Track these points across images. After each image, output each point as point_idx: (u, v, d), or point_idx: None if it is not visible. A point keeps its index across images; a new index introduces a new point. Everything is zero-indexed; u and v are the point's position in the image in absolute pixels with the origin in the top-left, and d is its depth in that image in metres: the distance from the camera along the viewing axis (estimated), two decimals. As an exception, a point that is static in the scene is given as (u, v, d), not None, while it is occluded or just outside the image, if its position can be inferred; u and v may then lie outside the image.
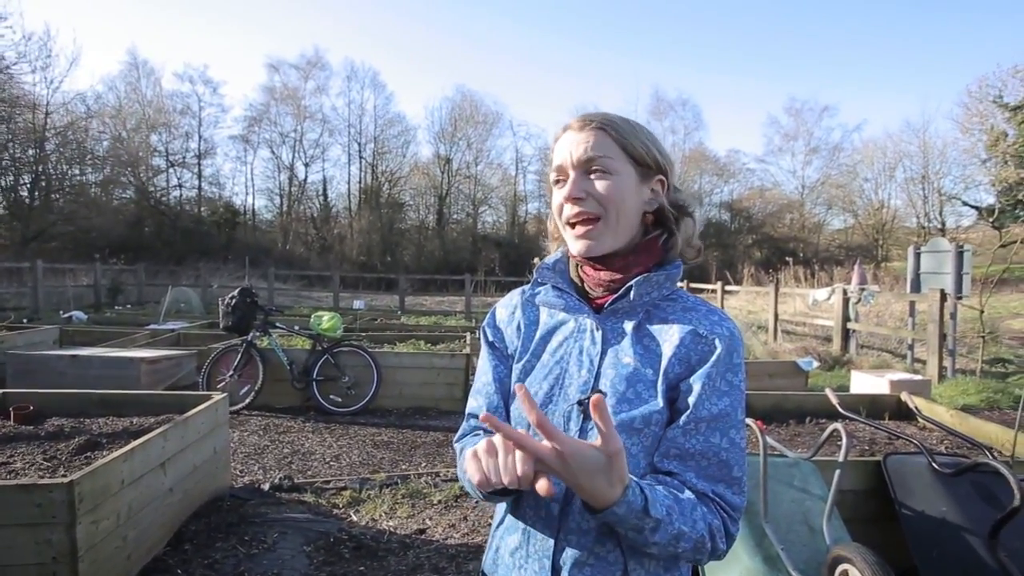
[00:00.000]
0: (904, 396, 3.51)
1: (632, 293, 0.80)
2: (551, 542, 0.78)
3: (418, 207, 35.36)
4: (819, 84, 54.39)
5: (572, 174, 0.80)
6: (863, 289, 8.83)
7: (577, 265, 0.87)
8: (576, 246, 0.82)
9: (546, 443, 0.63)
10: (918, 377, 5.40)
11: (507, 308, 0.93)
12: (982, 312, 6.98)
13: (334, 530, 2.88)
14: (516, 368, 0.87)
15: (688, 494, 0.73)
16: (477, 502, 3.34)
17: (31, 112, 22.09)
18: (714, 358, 0.78)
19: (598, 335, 0.82)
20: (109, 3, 46.00)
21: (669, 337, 0.80)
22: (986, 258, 9.98)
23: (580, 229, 0.80)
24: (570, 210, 0.81)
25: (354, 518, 3.10)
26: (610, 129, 0.80)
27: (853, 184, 33.28)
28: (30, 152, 22.74)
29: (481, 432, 0.89)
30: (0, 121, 20.66)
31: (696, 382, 0.77)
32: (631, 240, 0.83)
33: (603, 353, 0.81)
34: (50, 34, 27.49)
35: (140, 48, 47.04)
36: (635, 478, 0.69)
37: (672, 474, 0.76)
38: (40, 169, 23.16)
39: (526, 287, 0.93)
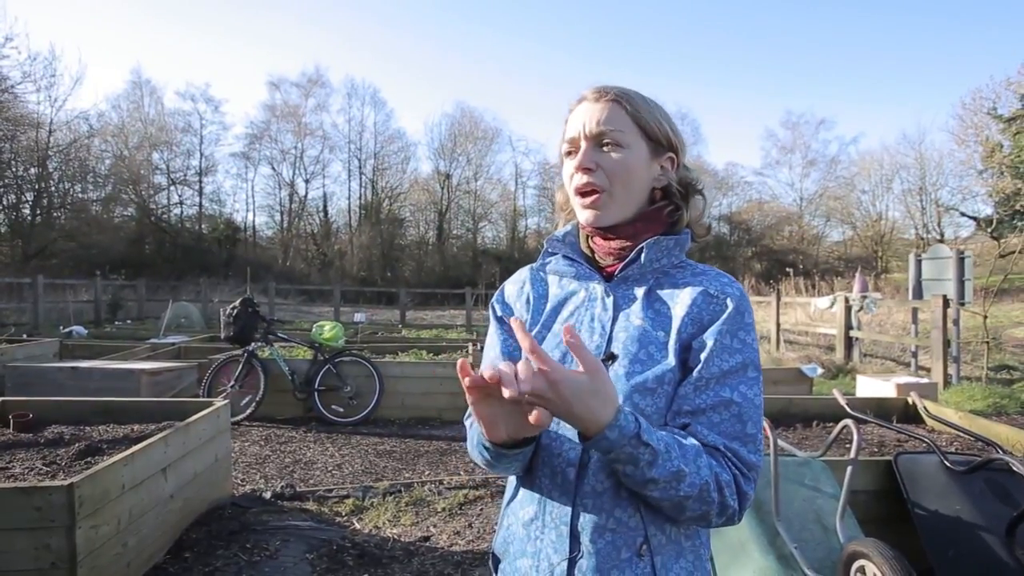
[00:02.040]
0: (912, 397, 3.48)
1: (643, 256, 0.80)
2: (568, 509, 0.77)
3: (418, 222, 35.50)
4: (815, 97, 54.97)
5: (584, 145, 0.81)
6: (865, 297, 8.81)
7: (587, 236, 0.88)
8: (583, 215, 0.83)
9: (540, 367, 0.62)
10: (925, 380, 5.36)
11: (516, 284, 0.93)
12: (985, 317, 6.96)
13: (337, 538, 2.84)
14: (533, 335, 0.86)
15: (692, 441, 0.72)
16: (482, 509, 3.29)
17: (35, 131, 22.27)
18: (725, 315, 0.78)
19: (609, 301, 0.83)
20: (114, 23, 46.73)
21: (680, 299, 0.81)
22: (986, 268, 10.00)
23: (587, 199, 0.81)
24: (579, 180, 0.81)
25: (357, 526, 3.05)
26: (625, 102, 0.81)
27: (851, 196, 33.46)
28: (33, 170, 22.89)
29: None
30: (4, 140, 20.81)
31: (708, 339, 0.77)
32: (638, 211, 0.84)
33: (614, 318, 0.81)
34: (55, 54, 27.96)
35: (144, 67, 47.55)
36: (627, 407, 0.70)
37: (685, 427, 0.76)
38: (42, 187, 23.29)
39: (534, 263, 0.93)
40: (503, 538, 0.86)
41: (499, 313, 0.93)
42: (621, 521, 0.75)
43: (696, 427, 0.75)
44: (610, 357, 0.78)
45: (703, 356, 0.76)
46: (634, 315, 0.81)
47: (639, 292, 0.83)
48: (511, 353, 0.88)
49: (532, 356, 0.62)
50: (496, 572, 0.88)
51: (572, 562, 0.75)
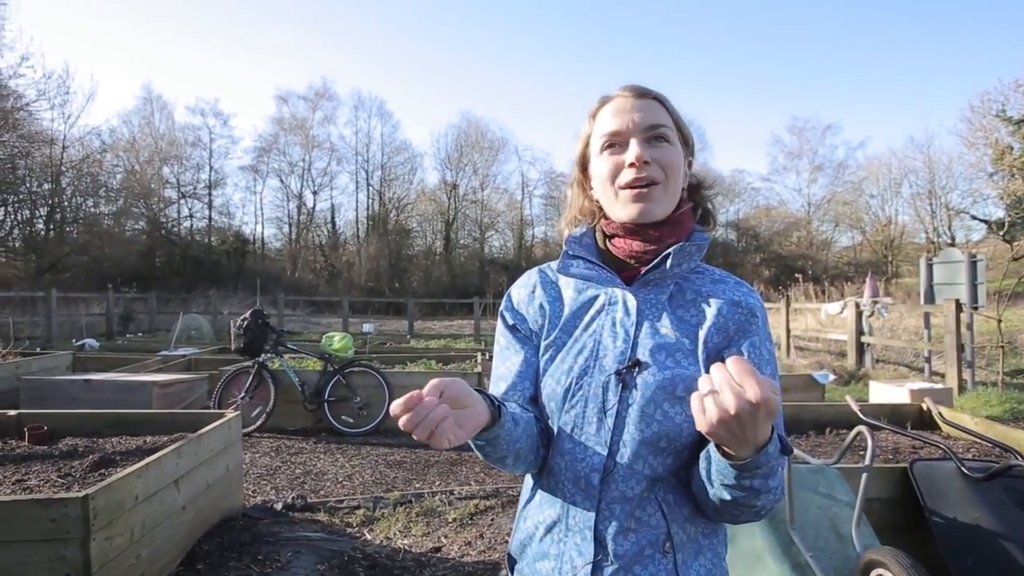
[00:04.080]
0: (927, 402, 3.44)
1: (669, 262, 0.80)
2: (592, 514, 0.77)
3: (425, 233, 35.66)
4: (821, 102, 54.87)
5: (634, 139, 0.80)
6: (876, 302, 8.73)
7: (606, 237, 0.87)
8: (630, 210, 0.81)
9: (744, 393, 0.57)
10: (939, 386, 5.30)
11: (525, 288, 0.91)
12: (1000, 322, 6.87)
13: (348, 549, 2.83)
14: (545, 344, 0.86)
15: None
16: (493, 519, 3.28)
17: (48, 147, 22.66)
18: (756, 327, 0.80)
19: (632, 306, 0.82)
20: (125, 41, 47.58)
21: (705, 307, 0.81)
22: (999, 271, 9.88)
23: (640, 192, 0.80)
24: (632, 175, 0.79)
25: (368, 537, 3.05)
26: (666, 103, 0.84)
27: (859, 201, 33.25)
28: (46, 186, 23.26)
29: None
30: (19, 156, 21.18)
31: (745, 350, 0.78)
32: (673, 211, 0.84)
33: (638, 324, 0.81)
34: (69, 72, 28.40)
35: (154, 83, 48.38)
36: None
37: None
38: (55, 202, 23.65)
39: (544, 265, 0.93)
40: (520, 540, 0.86)
41: (511, 322, 0.90)
42: (642, 521, 0.76)
43: None
44: (636, 364, 0.77)
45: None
46: (659, 322, 0.80)
47: (662, 297, 0.82)
48: (529, 360, 0.86)
49: (744, 380, 0.58)
50: (512, 572, 0.87)
51: (596, 565, 0.76)
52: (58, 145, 23.22)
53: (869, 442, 2.10)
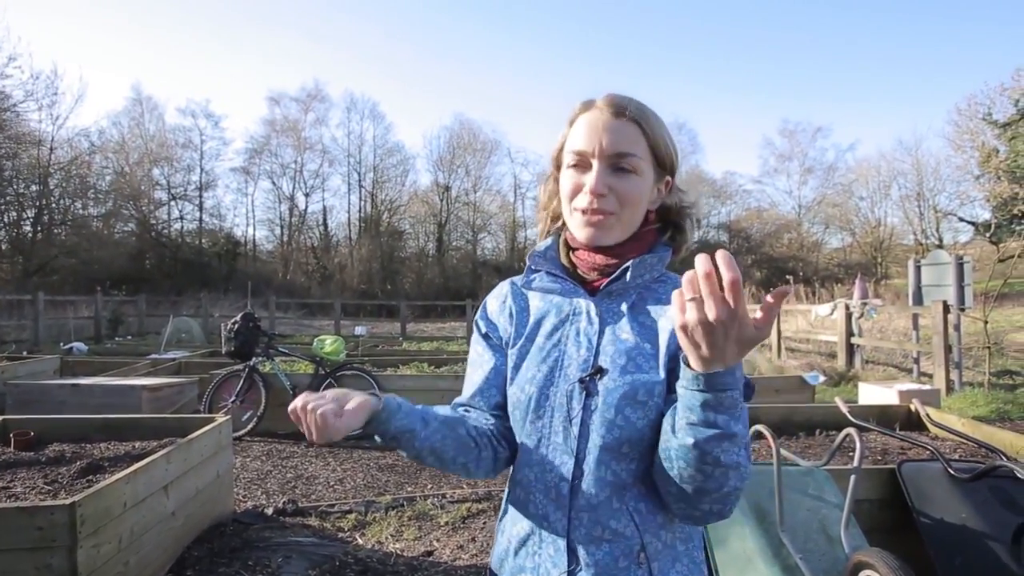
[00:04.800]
0: (915, 404, 3.47)
1: (628, 274, 0.81)
2: (564, 523, 0.77)
3: (418, 235, 35.60)
4: (812, 105, 55.42)
5: (596, 165, 0.78)
6: (865, 303, 8.81)
7: (569, 250, 0.87)
8: (583, 233, 0.81)
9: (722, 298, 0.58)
10: (927, 387, 5.35)
11: (498, 299, 0.93)
12: (986, 323, 6.96)
13: (339, 553, 2.82)
14: (511, 353, 0.87)
15: None
16: (485, 523, 3.28)
17: (36, 148, 22.42)
18: None
19: (595, 315, 0.82)
20: (115, 41, 47.19)
21: (665, 313, 0.81)
22: (985, 273, 10.01)
23: (592, 219, 0.79)
24: (587, 201, 0.79)
25: (360, 541, 3.03)
26: (644, 124, 0.80)
27: (849, 203, 33.57)
28: (34, 187, 23.00)
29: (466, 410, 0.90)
30: (6, 158, 20.95)
31: None
32: (633, 232, 0.84)
33: (601, 332, 0.81)
34: (57, 73, 28.09)
35: (144, 83, 48.02)
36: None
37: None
38: (43, 204, 23.39)
39: (515, 277, 0.93)
40: (498, 555, 0.87)
41: (484, 330, 0.92)
42: (616, 531, 0.76)
43: None
44: (598, 371, 0.78)
45: None
46: (621, 329, 0.81)
47: (624, 307, 0.83)
48: (498, 368, 0.88)
49: (730, 289, 0.58)
50: None
51: (570, 574, 0.76)
52: (46, 146, 22.97)
53: (858, 444, 2.12)
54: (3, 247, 22.78)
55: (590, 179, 0.78)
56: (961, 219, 26.75)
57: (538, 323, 0.86)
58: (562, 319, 0.84)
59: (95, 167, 26.82)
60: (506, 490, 0.89)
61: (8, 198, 22.24)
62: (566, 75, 55.15)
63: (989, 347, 7.01)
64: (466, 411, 0.89)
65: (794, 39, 51.17)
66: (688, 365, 0.65)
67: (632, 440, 0.76)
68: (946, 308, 6.66)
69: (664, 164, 0.82)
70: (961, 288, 7.25)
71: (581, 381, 0.78)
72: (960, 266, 7.32)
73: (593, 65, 54.44)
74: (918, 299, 8.10)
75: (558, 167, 0.86)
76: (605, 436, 0.76)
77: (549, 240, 0.89)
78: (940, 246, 25.99)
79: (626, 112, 0.79)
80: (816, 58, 51.20)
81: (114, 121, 29.70)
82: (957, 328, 6.88)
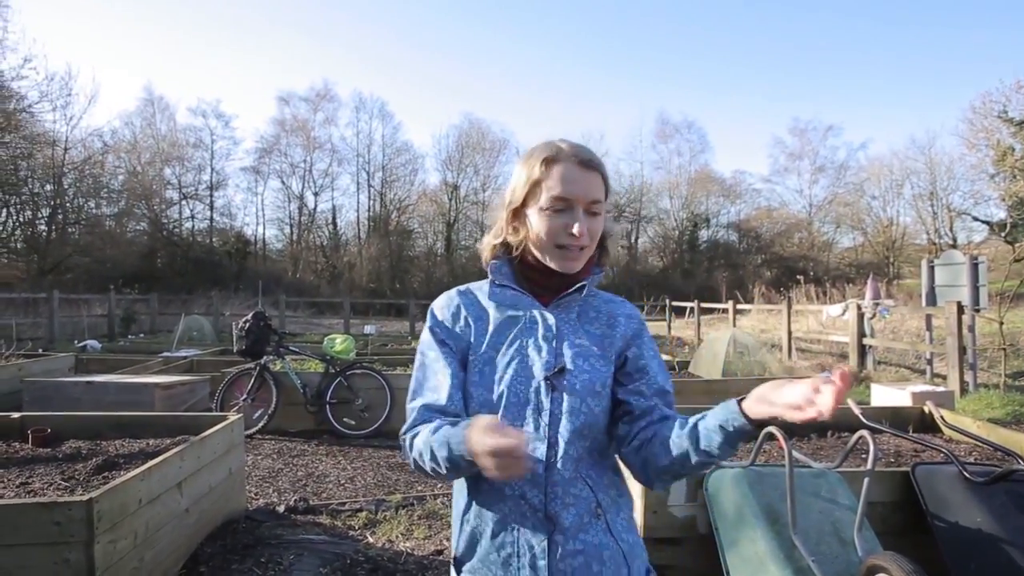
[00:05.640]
0: (928, 406, 3.44)
1: (584, 291, 1.00)
2: (542, 497, 0.92)
3: (426, 234, 35.71)
4: (822, 104, 54.96)
5: (580, 211, 0.95)
6: (878, 304, 8.73)
7: (524, 269, 1.02)
8: (560, 265, 0.98)
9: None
10: (941, 388, 5.29)
11: (449, 309, 1.04)
12: (1002, 324, 6.87)
13: (350, 552, 2.83)
14: (475, 357, 0.98)
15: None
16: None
17: (50, 148, 22.72)
18: (644, 331, 1.04)
19: (552, 323, 0.99)
20: (127, 42, 47.69)
21: (607, 320, 1.03)
22: (1000, 273, 9.88)
23: (573, 254, 0.97)
24: (571, 241, 0.95)
25: (370, 539, 3.05)
26: (605, 175, 0.99)
27: (861, 202, 33.27)
28: (48, 187, 23.32)
29: (439, 419, 0.95)
30: (21, 158, 21.25)
31: (642, 348, 1.02)
32: None
33: (559, 338, 0.98)
34: (71, 73, 28.50)
35: (156, 84, 48.50)
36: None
37: (653, 408, 0.97)
38: (57, 203, 23.71)
39: (462, 288, 1.06)
40: (466, 543, 0.96)
41: (442, 337, 1.01)
42: (578, 496, 0.93)
43: (662, 407, 0.98)
44: (561, 370, 0.95)
45: (643, 362, 1.01)
46: (574, 334, 0.99)
47: (572, 316, 1.01)
48: (456, 373, 0.98)
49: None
50: (459, 574, 0.97)
51: (550, 539, 0.91)
52: (60, 146, 23.27)
53: (871, 446, 2.10)
54: (18, 246, 23.11)
55: (577, 226, 0.94)
56: (975, 218, 26.43)
57: (499, 331, 0.99)
58: (523, 327, 0.99)
59: (108, 167, 27.16)
60: (460, 487, 0.99)
61: (23, 197, 22.57)
62: (574, 74, 55.08)
63: (1005, 348, 6.92)
64: (453, 417, 0.95)
65: (805, 37, 50.74)
66: (748, 421, 0.82)
67: (592, 424, 0.95)
68: (960, 309, 6.58)
69: (607, 198, 1.01)
70: (976, 288, 7.17)
71: (547, 379, 0.94)
72: (975, 266, 7.23)
73: (602, 64, 54.32)
74: (932, 300, 8.01)
75: (522, 205, 0.99)
76: (573, 423, 0.93)
77: (503, 260, 1.03)
78: (954, 246, 25.67)
79: (595, 167, 0.97)
80: (828, 56, 50.76)
81: (126, 121, 30.09)
82: (972, 329, 6.80)
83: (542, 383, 0.94)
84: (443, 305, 1.04)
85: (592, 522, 0.93)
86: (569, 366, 0.95)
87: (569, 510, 0.92)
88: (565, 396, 0.93)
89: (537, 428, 0.93)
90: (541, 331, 0.98)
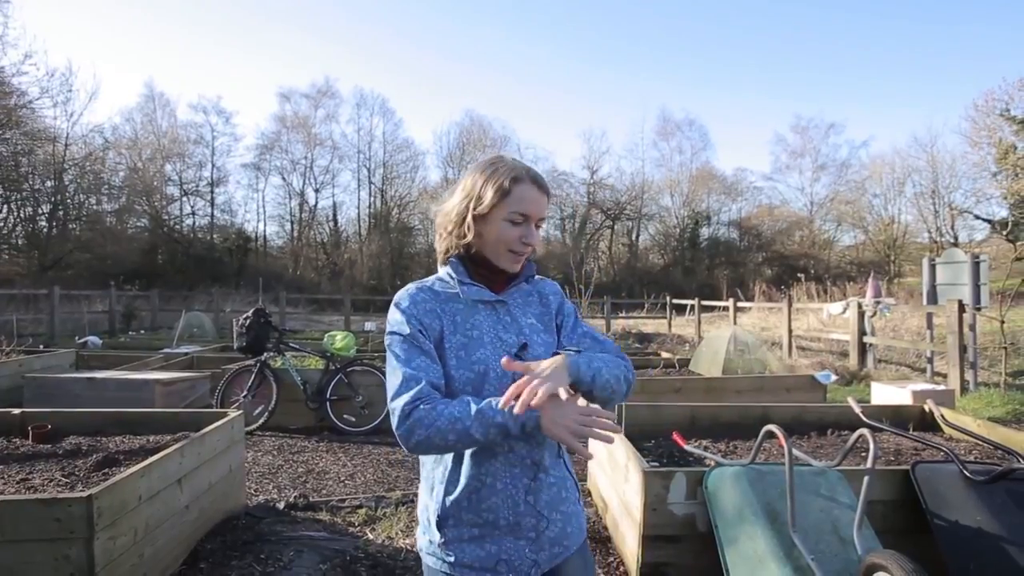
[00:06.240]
0: (929, 404, 3.44)
1: (529, 281, 1.25)
2: (529, 448, 1.14)
3: (427, 231, 35.57)
4: (824, 101, 54.78)
5: (532, 224, 1.16)
6: (878, 302, 8.72)
7: (477, 267, 1.19)
8: (510, 263, 1.18)
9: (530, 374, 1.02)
10: (941, 387, 5.29)
11: (414, 303, 1.16)
12: (1003, 322, 6.86)
13: (350, 548, 2.84)
14: (450, 344, 1.14)
15: (607, 356, 1.18)
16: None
17: (51, 145, 22.70)
18: (565, 300, 1.30)
19: (506, 309, 1.20)
20: (127, 38, 47.61)
21: (540, 299, 1.26)
22: (1002, 272, 9.86)
23: (520, 258, 1.18)
24: (521, 247, 1.16)
25: (370, 536, 3.05)
26: (549, 196, 1.21)
27: (862, 200, 33.17)
28: (49, 183, 23.30)
29: (438, 395, 1.10)
30: (22, 154, 21.23)
31: (567, 315, 1.28)
32: None
33: (515, 318, 1.20)
34: (71, 69, 28.52)
35: (156, 80, 48.40)
36: (573, 354, 1.10)
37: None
38: (58, 199, 23.70)
39: (420, 284, 1.20)
40: (455, 499, 1.11)
41: (415, 328, 1.13)
42: (550, 442, 1.17)
43: (596, 350, 1.20)
44: (524, 346, 1.16)
45: (571, 324, 1.26)
46: (525, 315, 1.22)
47: (519, 301, 1.23)
48: (432, 356, 1.12)
49: (515, 369, 1.06)
50: (442, 531, 1.11)
51: (534, 479, 1.13)
52: (61, 142, 23.24)
53: (871, 445, 2.10)
54: (19, 242, 23.11)
55: (531, 236, 1.16)
56: (977, 217, 26.37)
57: (464, 319, 1.16)
58: (487, 314, 1.18)
59: (109, 163, 27.12)
60: (445, 459, 1.14)
61: (24, 193, 22.56)
62: (575, 72, 54.95)
63: (1006, 347, 6.91)
64: (432, 396, 1.10)
65: (808, 34, 50.58)
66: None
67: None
68: (961, 307, 6.58)
69: None
70: (977, 287, 7.15)
71: (516, 354, 1.14)
72: (976, 265, 7.22)
73: (604, 61, 54.20)
74: (932, 298, 8.00)
75: (482, 210, 1.15)
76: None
77: (457, 261, 1.19)
78: (955, 244, 25.64)
79: (546, 188, 1.19)
80: (830, 54, 50.61)
81: (127, 117, 30.06)
82: (972, 328, 6.79)
83: (512, 358, 1.11)
84: (406, 299, 1.17)
85: (557, 460, 1.19)
86: (528, 342, 1.17)
87: (545, 453, 1.15)
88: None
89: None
90: (501, 316, 1.18)
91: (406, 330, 1.13)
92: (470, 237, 1.16)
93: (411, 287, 1.19)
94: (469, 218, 1.15)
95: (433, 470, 1.17)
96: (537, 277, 1.27)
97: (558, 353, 1.11)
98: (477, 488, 1.11)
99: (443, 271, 1.21)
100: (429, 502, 1.16)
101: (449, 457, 1.13)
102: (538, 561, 1.13)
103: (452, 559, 1.12)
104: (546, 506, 1.14)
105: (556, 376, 1.01)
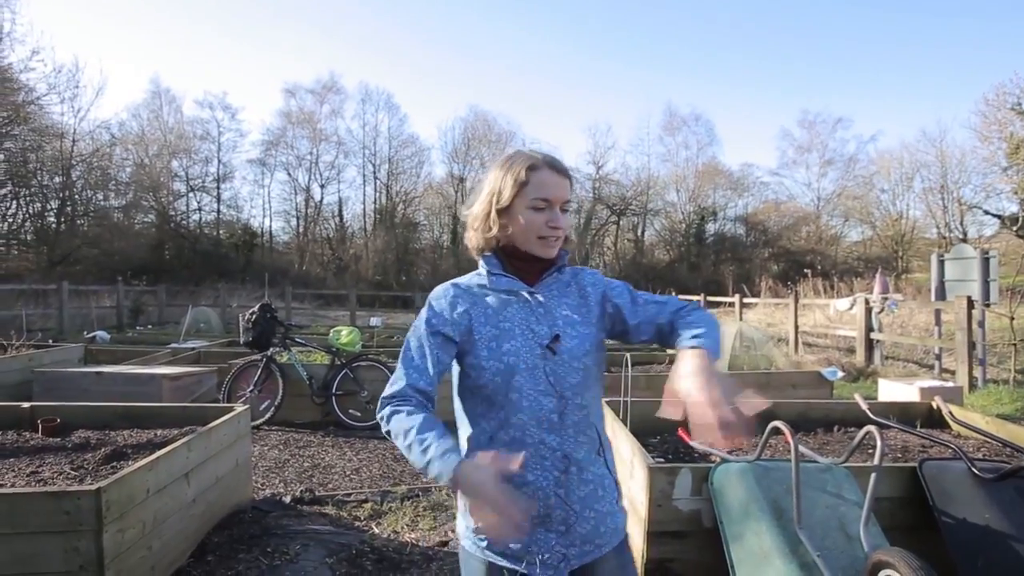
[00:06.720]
0: (936, 401, 3.41)
1: (563, 271, 1.24)
2: (559, 440, 1.14)
3: (432, 226, 35.65)
4: (832, 96, 54.19)
5: (556, 208, 1.17)
6: (886, 298, 8.66)
7: (510, 259, 1.21)
8: (542, 252, 1.18)
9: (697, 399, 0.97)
10: (949, 384, 5.25)
11: (447, 299, 1.20)
12: (1012, 319, 6.80)
13: (356, 542, 2.86)
14: (480, 337, 1.15)
15: (700, 317, 1.17)
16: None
17: (59, 141, 22.82)
18: (604, 282, 1.28)
19: (541, 300, 1.19)
20: (133, 34, 47.75)
21: (578, 290, 1.24)
22: (1012, 268, 9.77)
23: (551, 243, 1.18)
24: (549, 232, 1.17)
25: (376, 530, 3.07)
26: (571, 179, 1.22)
27: (870, 195, 32.89)
28: (57, 179, 23.44)
29: (418, 400, 1.13)
30: (30, 150, 21.35)
31: (614, 298, 1.24)
32: None
33: (548, 310, 1.18)
34: (79, 66, 28.45)
35: (162, 76, 48.60)
36: (699, 342, 1.07)
37: (660, 317, 1.20)
38: (66, 195, 23.83)
39: (455, 282, 1.23)
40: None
41: (436, 328, 1.17)
42: (590, 438, 1.18)
43: (666, 315, 1.20)
44: (556, 337, 1.15)
45: (627, 299, 1.24)
46: (560, 307, 1.20)
47: (554, 291, 1.22)
48: (440, 359, 1.15)
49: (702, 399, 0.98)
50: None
51: (566, 472, 1.14)
52: (68, 138, 23.38)
53: (878, 441, 2.08)
54: (28, 237, 23.27)
55: (556, 219, 1.16)
56: (987, 212, 26.09)
57: (501, 311, 1.18)
58: (520, 306, 1.18)
59: (116, 159, 27.25)
60: (471, 441, 1.18)
61: (33, 189, 22.70)
62: (581, 66, 54.67)
63: (1015, 344, 6.85)
64: (413, 400, 1.13)
65: (815, 28, 50.09)
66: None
67: (589, 376, 1.18)
68: (970, 304, 6.52)
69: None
70: (986, 283, 7.09)
71: (547, 346, 1.15)
72: (986, 260, 7.15)
73: (609, 56, 53.89)
74: (941, 294, 7.93)
75: (503, 203, 1.17)
76: (574, 376, 1.15)
77: (490, 254, 1.22)
78: (964, 240, 25.39)
79: (566, 173, 1.19)
80: (837, 48, 50.12)
81: (134, 113, 30.12)
82: (981, 324, 6.73)
83: (545, 350, 1.14)
84: (440, 297, 1.21)
85: (596, 458, 1.18)
86: (561, 333, 1.16)
87: (581, 449, 1.16)
88: (564, 358, 1.14)
89: (547, 386, 1.14)
90: (534, 308, 1.18)
91: (421, 330, 1.18)
92: (495, 231, 1.19)
93: (445, 284, 1.23)
94: (493, 213, 1.18)
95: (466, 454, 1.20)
96: (575, 267, 1.28)
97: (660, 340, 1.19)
98: (507, 477, 1.11)
99: (480, 266, 1.24)
100: None
101: (478, 450, 1.14)
102: (568, 556, 1.13)
103: (484, 543, 1.15)
104: (578, 502, 1.14)
105: (726, 389, 0.96)
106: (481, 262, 1.22)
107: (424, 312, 1.20)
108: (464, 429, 1.22)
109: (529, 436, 1.13)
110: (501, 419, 1.15)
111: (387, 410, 1.12)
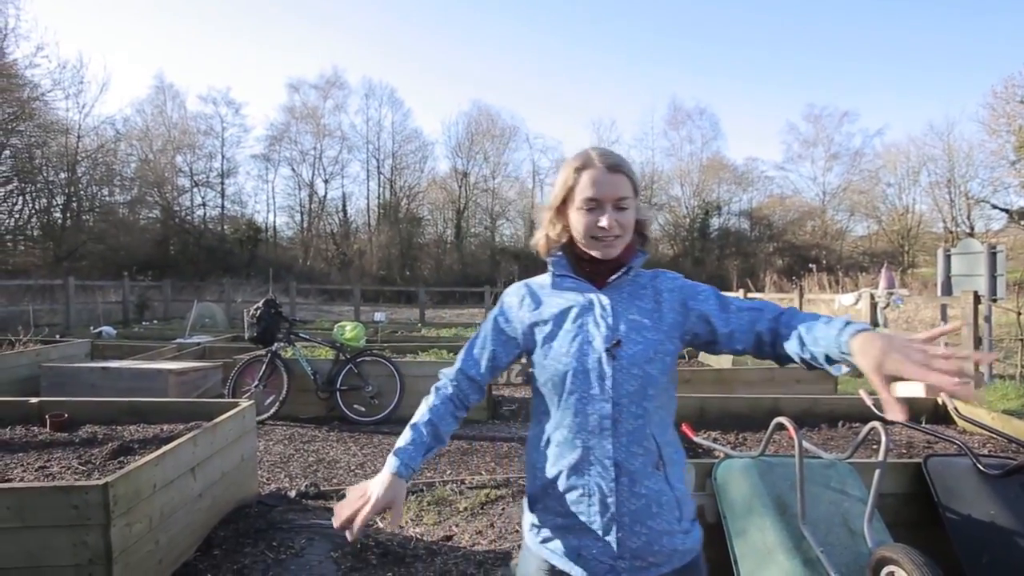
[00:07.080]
0: (941, 397, 3.40)
1: (631, 273, 1.17)
2: (609, 447, 1.10)
3: (436, 221, 35.67)
4: (838, 90, 53.77)
5: (607, 208, 1.12)
6: (891, 293, 8.62)
7: (578, 259, 1.19)
8: (600, 253, 1.14)
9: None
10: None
11: (517, 297, 1.23)
12: (1019, 314, 6.75)
13: (360, 537, 2.87)
14: (541, 338, 1.16)
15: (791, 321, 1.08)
16: (503, 509, 3.31)
17: (64, 137, 22.90)
18: (689, 287, 1.19)
19: (606, 303, 1.15)
20: (137, 30, 47.75)
21: (654, 295, 1.18)
22: (1019, 262, 9.70)
23: (607, 242, 1.13)
24: (602, 233, 1.12)
25: (380, 525, 3.09)
26: (629, 174, 1.14)
27: (876, 190, 32.69)
28: (63, 175, 23.53)
29: (463, 383, 1.23)
30: (35, 146, 21.43)
31: (700, 304, 1.16)
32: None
33: (614, 314, 1.14)
34: (83, 62, 28.65)
35: (166, 72, 48.67)
36: (854, 328, 0.95)
37: (758, 325, 1.11)
38: (72, 191, 23.94)
39: (528, 281, 1.25)
40: (541, 485, 1.17)
41: (501, 324, 1.22)
42: (646, 447, 1.11)
43: (765, 315, 1.11)
44: (617, 343, 1.11)
45: (715, 307, 1.15)
46: (627, 311, 1.15)
47: (624, 295, 1.17)
48: (496, 354, 1.22)
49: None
50: (534, 511, 1.19)
51: (617, 481, 1.09)
52: (73, 134, 23.44)
53: (883, 437, 2.08)
54: (35, 233, 23.39)
55: (605, 219, 1.11)
56: (994, 206, 25.90)
57: (563, 313, 1.16)
58: (583, 308, 1.15)
59: (120, 154, 27.34)
60: (534, 438, 1.20)
61: (38, 185, 22.80)
62: (585, 61, 54.41)
63: (1022, 339, 6.81)
64: (458, 384, 1.22)
65: (821, 21, 49.65)
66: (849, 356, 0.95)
67: (649, 385, 1.10)
68: (977, 299, 6.48)
69: (637, 193, 1.16)
70: (993, 278, 7.05)
71: (607, 350, 1.10)
72: (993, 255, 7.11)
73: (613, 50, 53.60)
74: (947, 289, 7.89)
75: (562, 205, 1.17)
76: (632, 383, 1.10)
77: (559, 254, 1.21)
78: (971, 234, 25.21)
79: (619, 168, 1.13)
80: (843, 41, 49.66)
81: (138, 109, 30.21)
82: (988, 319, 6.69)
83: (603, 354, 1.10)
84: (513, 293, 1.24)
85: (654, 472, 1.11)
86: (624, 339, 1.11)
87: (636, 459, 1.10)
88: (623, 364, 1.10)
89: (602, 391, 1.10)
90: (598, 311, 1.14)
91: (489, 324, 1.24)
92: (554, 232, 1.20)
93: (518, 283, 1.26)
94: (552, 214, 1.20)
95: (529, 455, 1.23)
96: (657, 270, 1.23)
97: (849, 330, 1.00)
98: (556, 479, 1.14)
99: (548, 267, 1.25)
100: (527, 485, 1.23)
101: (536, 447, 1.20)
102: (616, 568, 1.10)
103: (541, 539, 1.18)
104: (628, 514, 1.09)
105: (899, 348, 0.87)
106: (549, 262, 1.21)
107: (496, 307, 1.24)
108: (533, 426, 1.24)
109: (580, 438, 1.11)
110: (557, 420, 1.15)
111: (434, 385, 1.23)
